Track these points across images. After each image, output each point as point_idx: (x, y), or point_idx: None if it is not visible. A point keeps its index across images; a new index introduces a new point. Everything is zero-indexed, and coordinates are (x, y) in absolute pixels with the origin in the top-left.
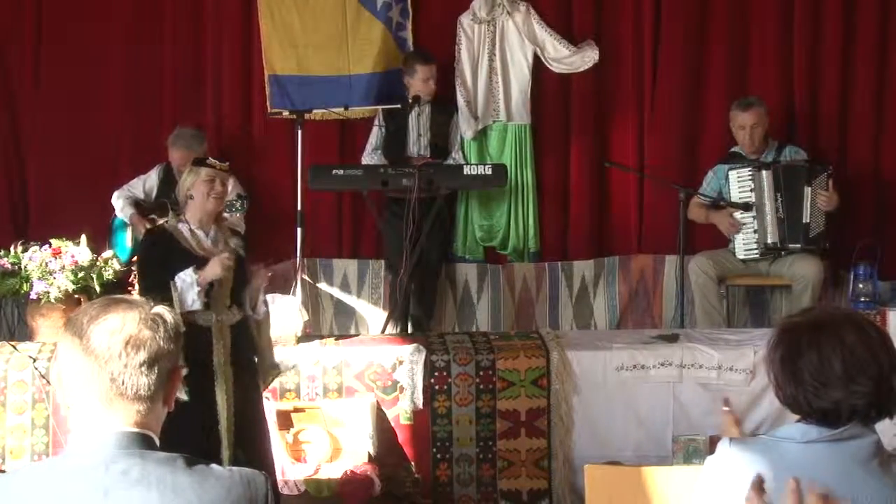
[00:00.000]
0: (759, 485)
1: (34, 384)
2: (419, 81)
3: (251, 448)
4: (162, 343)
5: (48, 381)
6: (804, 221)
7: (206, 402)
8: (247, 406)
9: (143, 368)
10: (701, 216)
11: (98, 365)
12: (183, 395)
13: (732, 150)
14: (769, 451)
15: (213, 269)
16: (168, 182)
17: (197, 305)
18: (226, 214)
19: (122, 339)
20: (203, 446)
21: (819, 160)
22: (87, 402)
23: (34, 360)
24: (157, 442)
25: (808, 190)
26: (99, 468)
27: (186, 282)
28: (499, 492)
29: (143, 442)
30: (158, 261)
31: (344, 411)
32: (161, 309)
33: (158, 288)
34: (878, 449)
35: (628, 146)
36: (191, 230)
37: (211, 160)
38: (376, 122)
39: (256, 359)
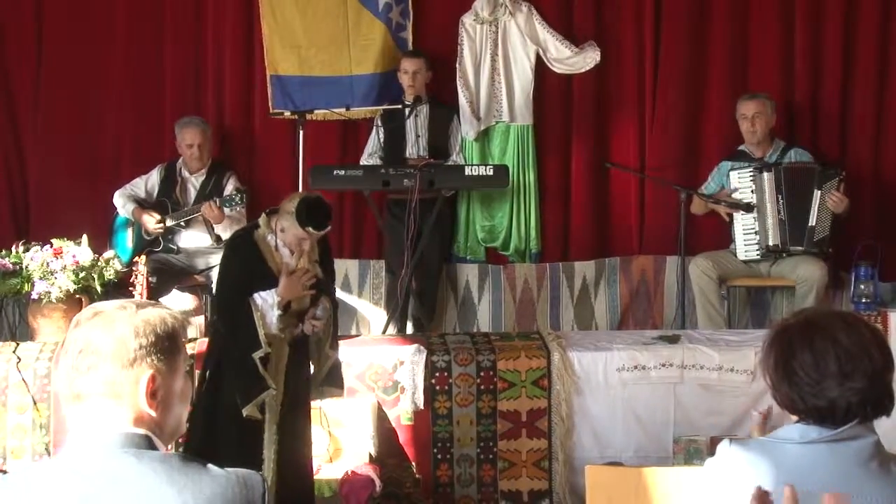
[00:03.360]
0: (762, 498)
1: (35, 384)
2: (402, 74)
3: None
4: (157, 342)
5: (25, 382)
6: (810, 224)
7: (253, 422)
8: (296, 422)
9: (132, 367)
10: (701, 206)
11: (68, 366)
12: (257, 414)
13: (739, 148)
14: (769, 453)
15: (292, 290)
16: (170, 181)
17: (274, 329)
18: (226, 210)
19: (80, 344)
20: (246, 458)
21: (831, 164)
22: (83, 403)
23: (18, 361)
24: (155, 440)
25: (817, 193)
26: (94, 467)
27: (268, 302)
28: (499, 492)
29: (140, 441)
30: (238, 271)
31: (345, 412)
32: (159, 311)
33: (232, 308)
34: (878, 450)
35: (629, 147)
36: (276, 245)
37: (311, 229)
38: (375, 123)
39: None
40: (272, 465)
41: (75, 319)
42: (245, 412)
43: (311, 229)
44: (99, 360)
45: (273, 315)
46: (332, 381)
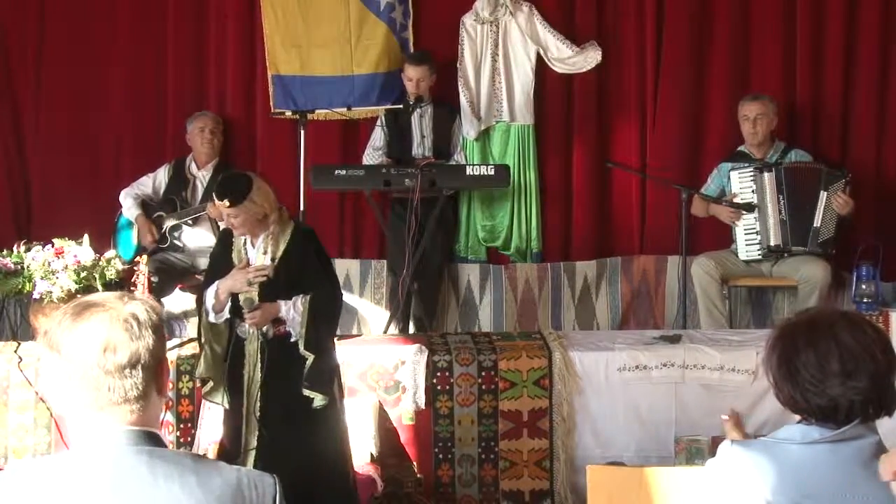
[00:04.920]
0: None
1: (37, 384)
2: (406, 81)
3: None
4: (139, 341)
5: (28, 381)
6: (815, 226)
7: (235, 412)
8: (288, 429)
9: (125, 371)
10: (702, 210)
11: (79, 376)
12: (225, 404)
13: (738, 149)
14: (770, 453)
15: (231, 282)
16: (179, 179)
17: (212, 318)
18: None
19: (97, 346)
20: (230, 453)
21: (838, 166)
22: (80, 411)
23: (20, 361)
24: (162, 438)
25: (823, 194)
26: (107, 465)
27: (210, 291)
28: (501, 492)
29: (150, 439)
30: (210, 262)
31: (346, 411)
32: (134, 307)
33: (200, 295)
34: (880, 450)
35: (630, 146)
36: (245, 240)
37: (216, 200)
38: (379, 122)
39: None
40: (252, 463)
41: (59, 327)
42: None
43: (216, 200)
44: (130, 355)
45: (209, 304)
46: (310, 383)
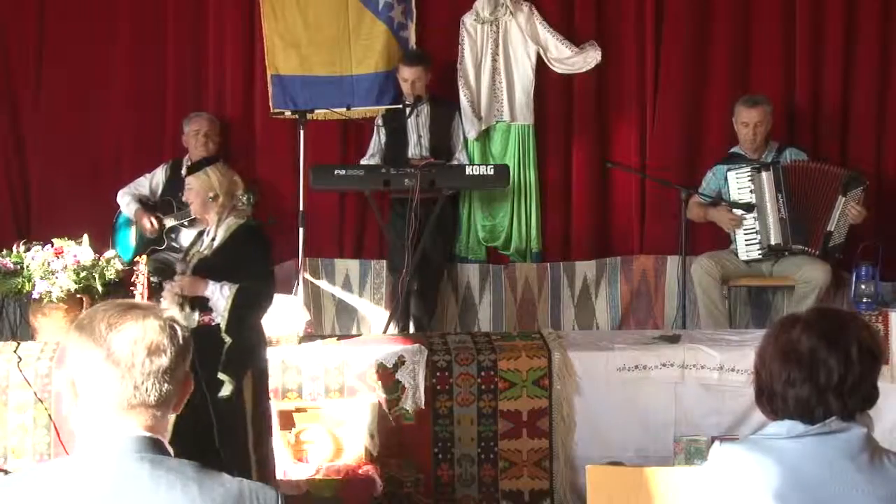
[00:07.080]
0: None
1: (37, 384)
2: (401, 81)
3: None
4: (178, 349)
5: (28, 381)
6: (829, 230)
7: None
8: (210, 410)
9: (165, 375)
10: (700, 215)
11: (121, 373)
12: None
13: (732, 150)
14: (759, 449)
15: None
16: (175, 180)
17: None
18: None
19: (144, 346)
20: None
21: (859, 171)
22: (103, 409)
23: (19, 361)
24: (167, 447)
25: (841, 199)
26: (109, 471)
27: None
28: (500, 492)
29: (154, 446)
30: None
31: (345, 411)
32: (172, 315)
33: None
34: (868, 442)
35: (630, 146)
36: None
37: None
38: (376, 125)
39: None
40: None
41: (103, 322)
42: None
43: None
44: (171, 360)
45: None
46: (223, 366)
